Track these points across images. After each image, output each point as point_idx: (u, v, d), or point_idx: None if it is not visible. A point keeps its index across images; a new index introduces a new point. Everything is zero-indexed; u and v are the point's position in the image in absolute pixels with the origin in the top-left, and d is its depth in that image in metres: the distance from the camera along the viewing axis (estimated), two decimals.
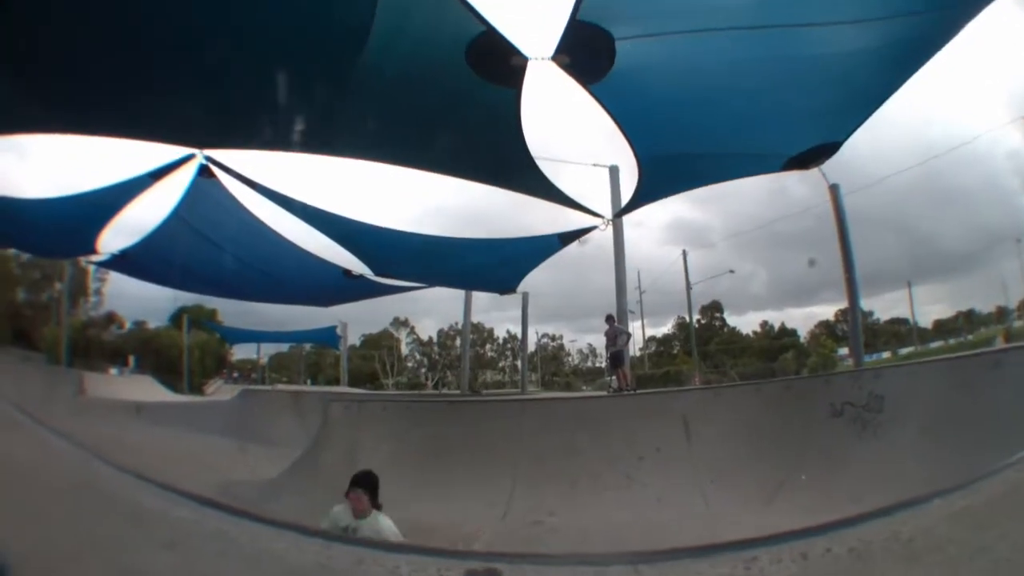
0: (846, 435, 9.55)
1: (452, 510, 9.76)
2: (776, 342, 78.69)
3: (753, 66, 8.25)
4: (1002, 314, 70.44)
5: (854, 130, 9.84)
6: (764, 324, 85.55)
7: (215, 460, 14.87)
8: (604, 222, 14.53)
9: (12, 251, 41.39)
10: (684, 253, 52.65)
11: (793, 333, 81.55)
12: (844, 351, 56.60)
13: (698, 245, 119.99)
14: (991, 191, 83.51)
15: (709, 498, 9.69)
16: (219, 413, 21.83)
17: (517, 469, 10.58)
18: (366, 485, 6.39)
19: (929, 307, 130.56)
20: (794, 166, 10.70)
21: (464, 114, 9.47)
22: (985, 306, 77.51)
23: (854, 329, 14.32)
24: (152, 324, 68.49)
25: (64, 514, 3.27)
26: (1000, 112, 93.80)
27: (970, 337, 66.15)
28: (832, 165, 11.37)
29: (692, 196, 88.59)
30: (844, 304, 15.10)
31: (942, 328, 78.78)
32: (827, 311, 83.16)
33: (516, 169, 10.80)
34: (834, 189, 13.10)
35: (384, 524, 6.22)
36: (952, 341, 67.23)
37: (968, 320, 76.93)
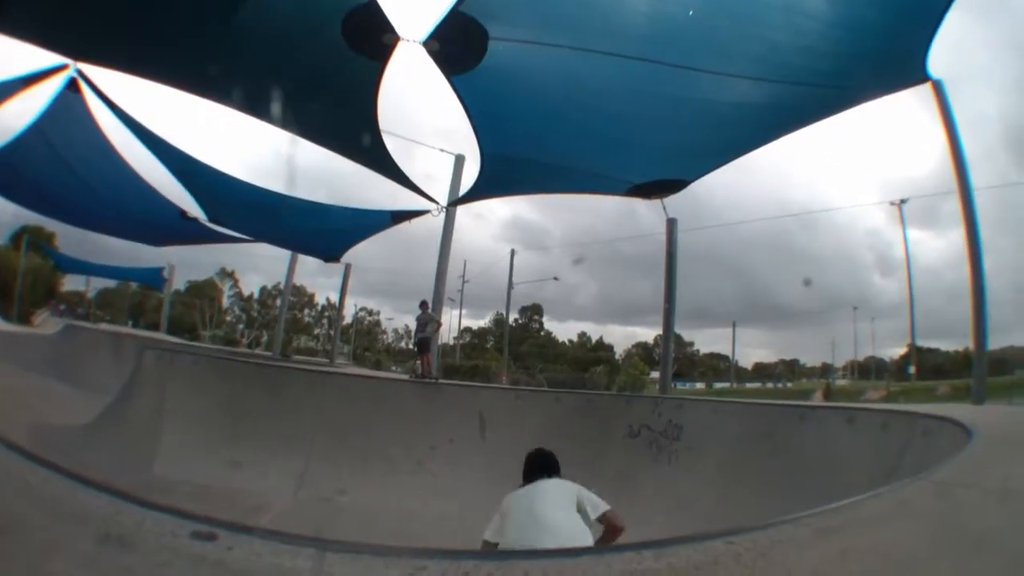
0: (640, 457, 9.85)
1: (246, 477, 9.66)
2: (591, 354, 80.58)
3: (625, 94, 8.50)
4: (826, 370, 74.86)
5: (704, 173, 10.21)
6: (582, 335, 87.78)
7: (32, 399, 14.32)
8: (438, 208, 14.70)
9: None
10: (512, 252, 53.11)
11: (610, 348, 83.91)
12: (656, 374, 58.59)
13: (534, 247, 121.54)
14: (842, 260, 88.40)
15: (496, 495, 9.81)
16: (43, 348, 21.26)
17: (314, 442, 10.56)
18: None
19: (754, 350, 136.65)
20: (637, 194, 11.06)
21: (326, 80, 9.50)
22: (810, 360, 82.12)
23: (665, 356, 14.76)
24: None
25: None
26: (871, 194, 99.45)
27: (790, 384, 69.87)
28: (681, 200, 11.68)
29: (537, 200, 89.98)
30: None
31: (762, 371, 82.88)
32: (648, 333, 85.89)
33: (364, 142, 10.86)
34: (671, 223, 13.50)
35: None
36: (769, 384, 71.07)
37: (791, 369, 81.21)
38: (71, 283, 70.85)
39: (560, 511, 4.56)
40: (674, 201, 12.24)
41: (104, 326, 43.01)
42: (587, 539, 4.31)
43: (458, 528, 8.48)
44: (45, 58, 11.34)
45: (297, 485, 9.87)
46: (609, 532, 4.66)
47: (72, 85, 12.25)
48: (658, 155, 10.11)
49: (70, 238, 53.93)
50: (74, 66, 11.50)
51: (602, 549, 2.77)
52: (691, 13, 7.14)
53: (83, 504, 2.28)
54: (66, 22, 9.59)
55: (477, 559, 2.24)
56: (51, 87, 12.55)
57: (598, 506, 4.73)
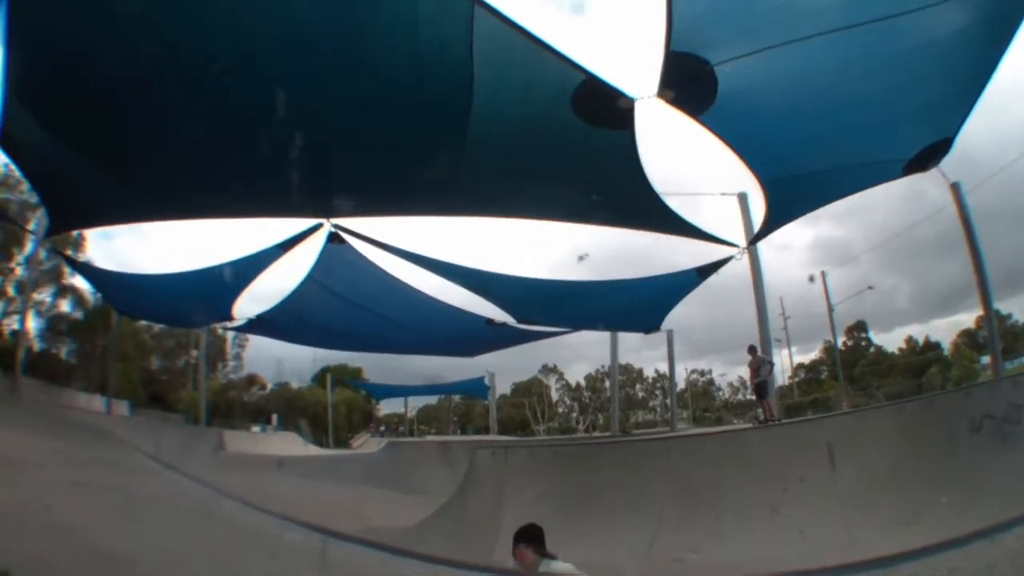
0: (986, 450, 9.09)
1: (596, 550, 9.76)
2: (921, 357, 75.11)
3: (852, 69, 8.05)
4: None
5: (963, 122, 9.37)
6: (909, 339, 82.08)
7: (358, 507, 15.12)
8: (739, 251, 14.30)
9: (143, 323, 43.06)
10: (823, 274, 50.30)
11: (937, 346, 77.49)
12: (986, 359, 53.60)
13: (842, 262, 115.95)
14: None
15: (851, 527, 9.41)
16: (365, 464, 22.23)
17: (663, 506, 10.54)
18: (526, 539, 6.02)
19: None
20: (914, 169, 10.31)
21: (582, 163, 9.57)
22: None
23: (991, 336, 13.66)
24: (295, 385, 70.71)
25: (185, 535, 3.52)
26: None
27: None
28: (955, 161, 10.92)
29: (830, 212, 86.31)
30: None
31: None
32: (969, 318, 79.40)
33: (643, 208, 10.83)
34: (955, 187, 12.56)
35: (557, 568, 5.92)
36: None
37: None
38: (388, 406, 74.13)
39: None
40: (949, 167, 11.48)
41: (430, 437, 44.83)
42: None
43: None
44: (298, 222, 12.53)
45: (646, 550, 9.89)
46: None
47: (334, 239, 12.96)
48: (913, 121, 9.39)
49: (377, 366, 57.18)
50: (330, 223, 12.29)
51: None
52: None
53: (380, 562, 2.40)
54: (311, 192, 10.48)
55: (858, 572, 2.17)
56: (314, 244, 13.46)
57: None
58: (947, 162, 10.53)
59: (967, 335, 72.76)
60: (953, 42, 7.72)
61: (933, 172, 10.91)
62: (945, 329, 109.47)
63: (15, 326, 39.26)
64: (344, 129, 8.85)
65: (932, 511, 8.80)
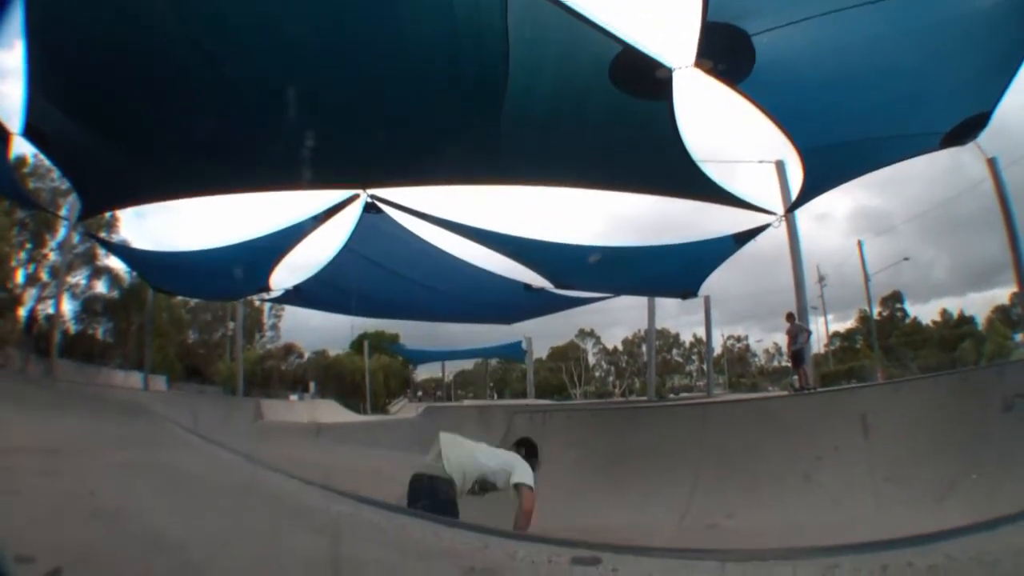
0: (1018, 431, 9.04)
1: (633, 514, 9.82)
2: (955, 331, 73.86)
3: (889, 40, 7.94)
4: None
5: (1001, 96, 9.17)
6: (943, 312, 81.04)
7: (395, 472, 15.13)
8: (777, 219, 14.28)
9: (179, 298, 43.78)
10: (860, 243, 49.51)
11: (971, 320, 76.24)
12: (1019, 336, 52.44)
13: (881, 231, 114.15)
14: None
15: (881, 498, 9.31)
16: (402, 430, 22.04)
17: (699, 472, 10.54)
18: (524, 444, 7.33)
19: None
20: (951, 142, 10.16)
21: (621, 132, 9.58)
22: None
23: None
24: (332, 352, 71.55)
25: (227, 509, 3.61)
26: None
27: None
28: (993, 136, 10.74)
29: (871, 181, 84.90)
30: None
31: None
32: (1005, 293, 78.01)
33: (681, 176, 10.81)
34: (992, 162, 12.35)
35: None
36: None
37: None
38: (425, 371, 74.66)
39: None
40: (986, 141, 11.30)
41: (468, 402, 44.89)
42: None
43: (846, 537, 8.20)
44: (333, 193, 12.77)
45: (681, 515, 9.91)
46: None
47: (370, 208, 13.09)
48: (951, 94, 9.27)
49: (415, 333, 57.30)
50: (366, 193, 12.43)
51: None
52: None
53: (448, 542, 2.49)
54: (349, 161, 10.68)
55: (893, 549, 2.20)
56: (350, 214, 13.66)
57: None
58: (984, 137, 10.33)
59: (1002, 311, 71.38)
60: (992, 13, 7.55)
61: (971, 145, 10.78)
62: (981, 303, 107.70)
63: (50, 310, 40.44)
64: (379, 101, 8.97)
65: (963, 487, 8.73)
